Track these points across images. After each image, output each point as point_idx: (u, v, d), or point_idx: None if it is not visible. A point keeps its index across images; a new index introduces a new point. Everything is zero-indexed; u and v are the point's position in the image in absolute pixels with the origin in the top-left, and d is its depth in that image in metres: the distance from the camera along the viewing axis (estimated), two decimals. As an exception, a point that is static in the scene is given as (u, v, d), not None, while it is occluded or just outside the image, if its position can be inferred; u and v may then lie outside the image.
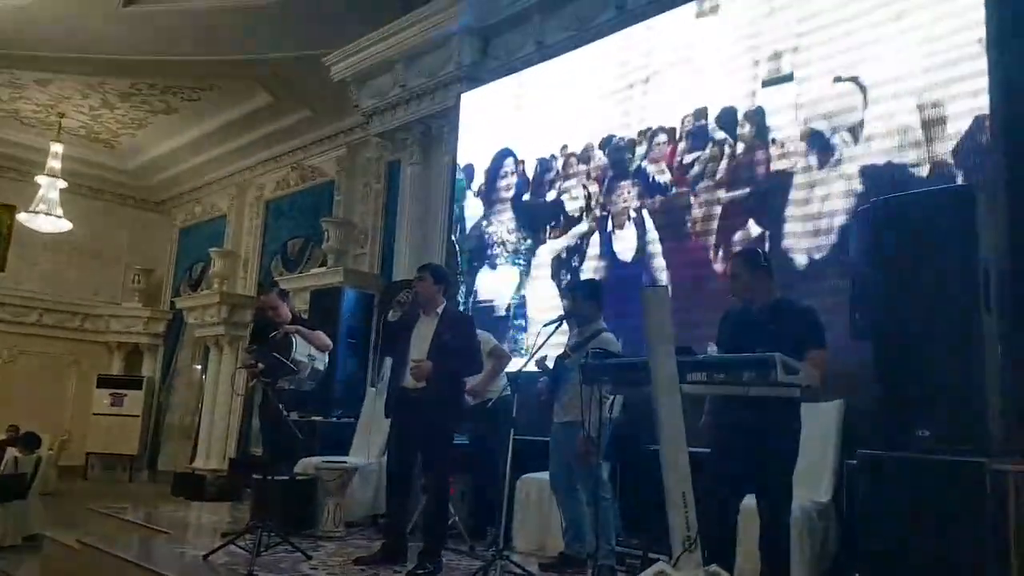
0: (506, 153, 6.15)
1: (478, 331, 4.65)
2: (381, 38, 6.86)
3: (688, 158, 4.84)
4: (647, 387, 2.69)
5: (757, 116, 4.53)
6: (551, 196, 5.72)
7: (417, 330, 3.85)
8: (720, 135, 4.68)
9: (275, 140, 10.22)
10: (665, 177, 4.97)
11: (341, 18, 7.00)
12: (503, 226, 6.04)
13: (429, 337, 3.76)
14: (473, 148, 6.44)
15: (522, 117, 6.11)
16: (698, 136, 4.80)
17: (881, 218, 2.96)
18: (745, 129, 4.58)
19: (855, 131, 4.09)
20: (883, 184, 3.80)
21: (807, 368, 2.50)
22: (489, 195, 6.23)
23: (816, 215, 4.17)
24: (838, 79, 4.15)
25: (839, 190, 4.10)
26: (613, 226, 5.23)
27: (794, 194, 4.28)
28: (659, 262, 4.86)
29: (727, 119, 4.66)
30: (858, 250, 3.11)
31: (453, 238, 6.45)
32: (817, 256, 4.09)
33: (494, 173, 6.18)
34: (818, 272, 4.05)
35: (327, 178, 9.73)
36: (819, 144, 4.22)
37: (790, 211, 4.28)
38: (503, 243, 5.98)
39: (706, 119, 4.76)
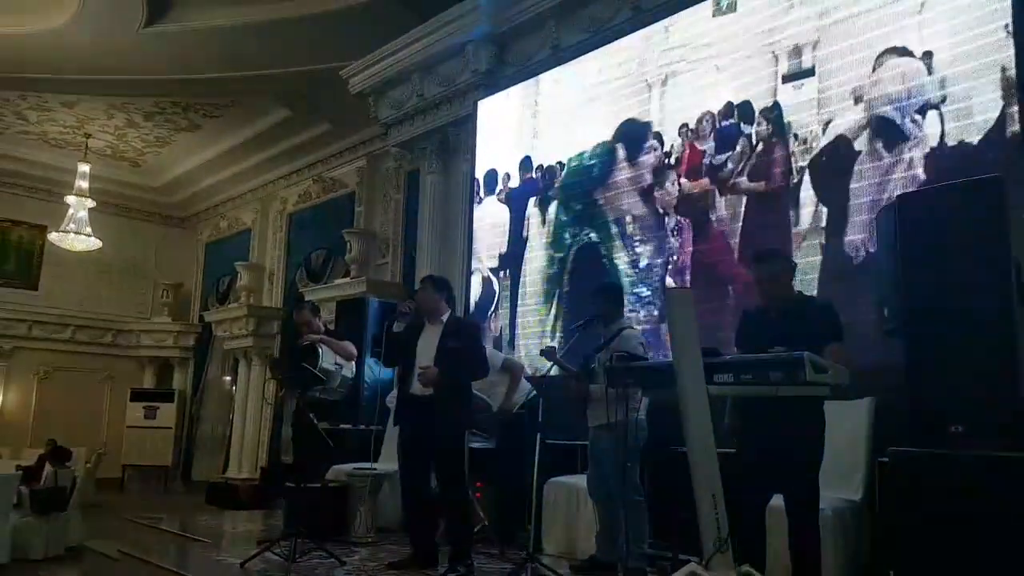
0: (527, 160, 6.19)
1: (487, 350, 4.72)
2: (397, 49, 6.94)
3: (712, 157, 4.81)
4: (673, 389, 2.71)
5: (775, 111, 4.51)
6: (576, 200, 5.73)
7: (423, 339, 3.92)
8: (745, 131, 4.65)
9: (296, 153, 10.38)
10: (688, 177, 4.96)
11: (357, 31, 7.10)
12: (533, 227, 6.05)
13: (435, 344, 3.83)
14: (492, 154, 6.48)
15: (540, 122, 6.14)
16: (722, 134, 4.78)
17: (907, 213, 2.93)
18: (762, 127, 4.56)
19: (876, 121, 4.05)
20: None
21: (836, 367, 2.49)
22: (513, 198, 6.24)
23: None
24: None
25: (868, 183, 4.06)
26: (638, 228, 5.22)
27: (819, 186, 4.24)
28: (685, 262, 4.84)
29: (747, 115, 4.64)
30: (885, 246, 3.08)
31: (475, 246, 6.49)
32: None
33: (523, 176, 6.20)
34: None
35: (348, 189, 9.86)
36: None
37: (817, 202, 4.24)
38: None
39: (732, 116, 4.73)
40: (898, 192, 3.37)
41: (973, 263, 2.73)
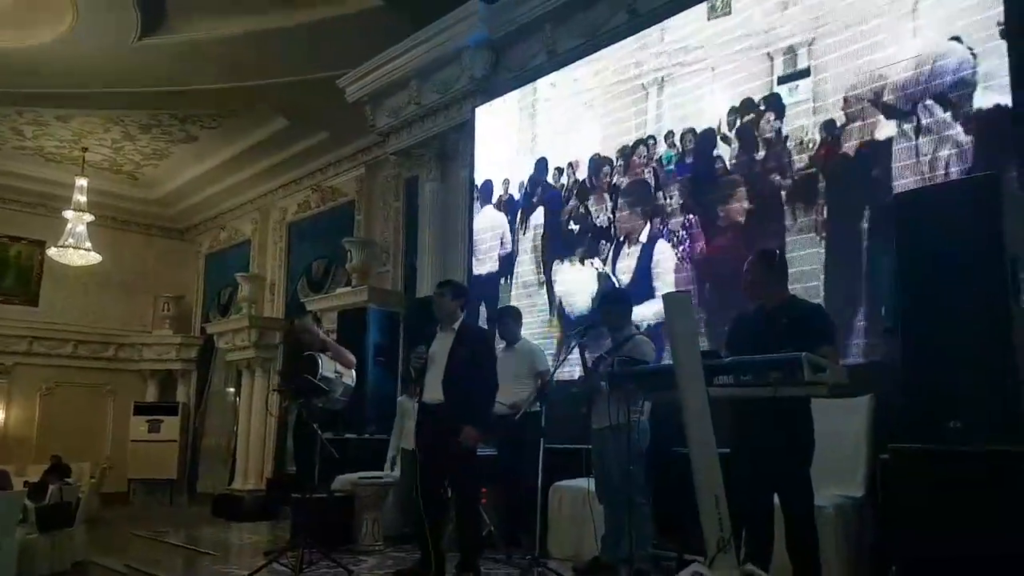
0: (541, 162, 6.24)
1: (534, 349, 4.71)
2: (393, 56, 6.96)
3: (710, 160, 4.83)
4: (673, 392, 2.73)
5: (772, 112, 4.53)
6: (572, 206, 5.76)
7: (436, 345, 3.94)
8: (741, 133, 4.67)
9: (295, 163, 10.40)
10: (686, 181, 4.98)
11: (352, 39, 7.12)
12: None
13: (446, 352, 3.85)
14: (491, 161, 6.51)
15: (537, 127, 6.17)
16: (719, 138, 4.80)
17: (904, 211, 2.96)
18: (758, 128, 4.58)
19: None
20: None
21: (834, 366, 2.51)
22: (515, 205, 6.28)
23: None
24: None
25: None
26: (641, 233, 5.23)
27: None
28: (687, 268, 4.87)
29: (743, 118, 4.67)
30: (882, 244, 3.10)
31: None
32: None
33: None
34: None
35: (347, 198, 9.88)
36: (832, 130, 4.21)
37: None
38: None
39: (728, 119, 4.75)
40: (897, 191, 3.39)
41: (969, 260, 2.76)
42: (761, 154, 4.57)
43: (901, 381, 3.22)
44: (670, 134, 5.09)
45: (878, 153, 4.01)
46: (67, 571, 7.00)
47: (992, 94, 3.58)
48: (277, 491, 8.93)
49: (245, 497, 9.58)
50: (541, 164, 6.10)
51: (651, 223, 5.16)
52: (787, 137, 4.45)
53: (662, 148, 5.15)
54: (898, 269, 2.90)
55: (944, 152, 3.74)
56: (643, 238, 5.19)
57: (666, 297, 2.71)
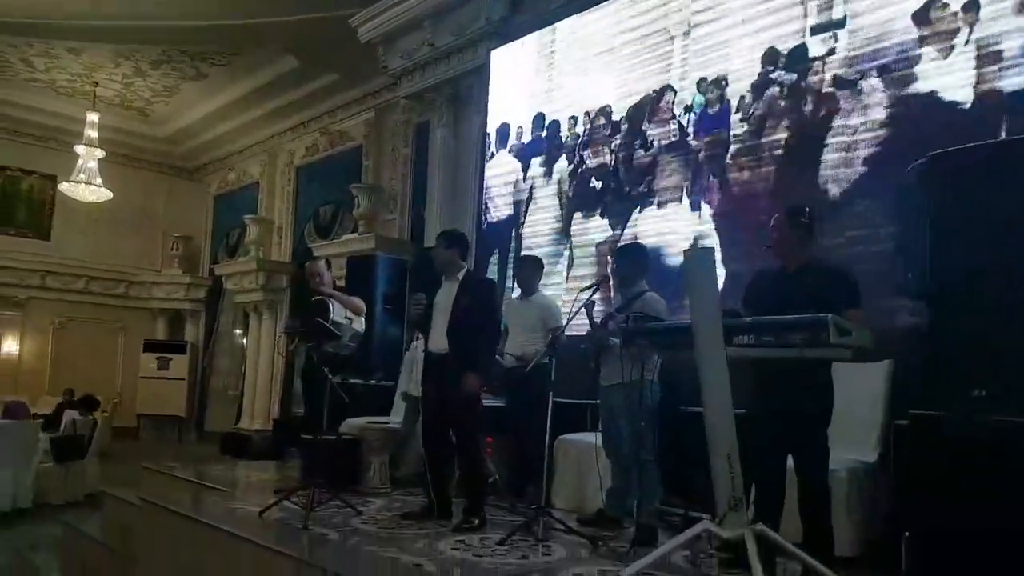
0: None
1: (550, 305, 4.63)
2: (409, -5, 6.74)
3: (736, 113, 4.65)
4: (689, 351, 2.68)
5: (804, 64, 4.35)
6: (594, 156, 5.60)
7: (440, 296, 3.91)
8: (772, 86, 4.49)
9: (304, 105, 10.22)
10: (711, 135, 4.81)
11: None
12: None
13: (450, 302, 3.82)
14: (505, 107, 6.32)
15: (555, 73, 5.96)
16: (749, 89, 4.61)
17: (932, 174, 2.84)
18: (790, 81, 4.40)
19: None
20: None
21: (860, 329, 2.44)
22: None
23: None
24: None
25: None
26: (667, 188, 5.08)
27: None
28: (710, 221, 4.73)
29: (774, 69, 4.48)
30: (913, 207, 2.99)
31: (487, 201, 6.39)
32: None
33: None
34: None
35: (355, 143, 9.73)
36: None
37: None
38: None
39: (759, 70, 4.56)
40: (930, 151, 3.25)
41: (996, 225, 2.66)
42: (789, 108, 4.40)
43: (920, 346, 3.17)
44: (702, 81, 4.87)
45: (912, 110, 3.86)
46: (80, 501, 7.21)
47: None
48: (284, 432, 9.10)
49: (252, 437, 9.76)
50: (555, 111, 5.92)
51: (676, 176, 5.00)
52: (818, 89, 4.27)
53: (688, 97, 4.96)
54: (929, 232, 2.80)
55: (978, 110, 3.59)
56: (666, 191, 5.04)
57: (688, 252, 2.63)
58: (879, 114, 4.02)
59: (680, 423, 3.76)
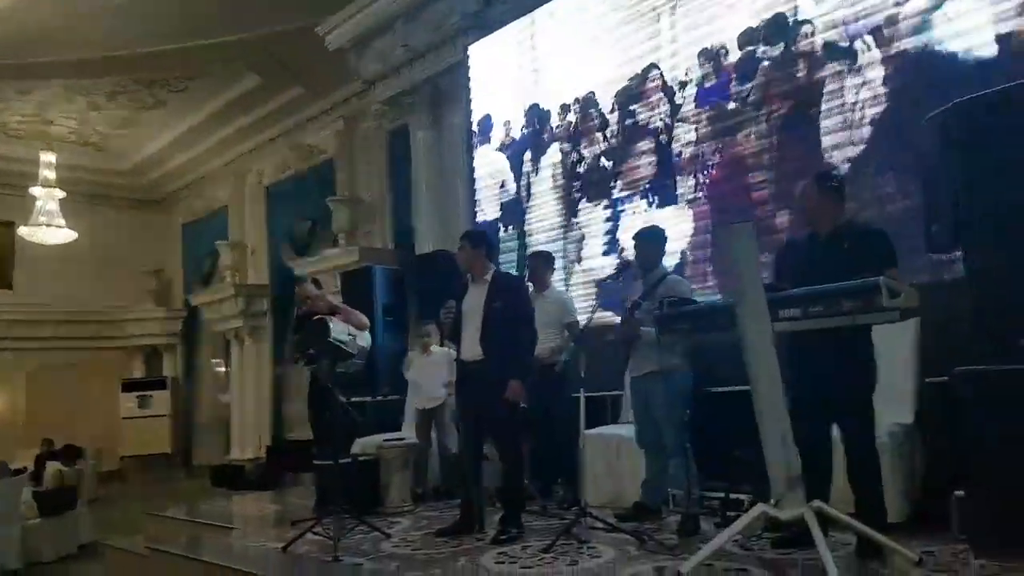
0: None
1: (565, 300, 4.55)
2: (376, -3, 6.52)
3: (733, 83, 4.57)
4: (730, 331, 2.60)
5: (799, 28, 4.27)
6: (581, 145, 5.50)
7: (468, 300, 3.73)
8: (766, 52, 4.42)
9: (268, 122, 9.97)
10: (710, 107, 4.71)
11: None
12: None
13: (481, 306, 3.65)
14: (488, 102, 6.17)
15: (538, 63, 5.81)
16: (742, 58, 4.53)
17: (957, 121, 2.79)
18: (784, 46, 4.33)
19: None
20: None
21: (908, 289, 2.39)
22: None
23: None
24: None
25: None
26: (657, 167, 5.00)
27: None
28: (712, 194, 4.65)
29: (767, 36, 4.40)
30: (934, 157, 2.94)
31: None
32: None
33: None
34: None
35: (326, 155, 9.50)
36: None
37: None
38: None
39: (752, 38, 4.48)
40: (938, 107, 3.21)
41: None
42: (786, 74, 4.33)
43: (949, 303, 3.13)
44: (693, 55, 4.78)
45: (919, 66, 3.81)
46: (74, 554, 6.87)
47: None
48: (279, 459, 8.85)
49: (245, 466, 9.49)
50: (542, 102, 5.79)
51: (669, 157, 4.93)
52: (815, 53, 4.21)
53: (679, 73, 4.86)
54: (960, 181, 2.75)
55: (982, 62, 3.56)
56: (663, 172, 4.96)
57: (727, 228, 2.55)
58: (876, 72, 3.98)
59: (708, 404, 3.69)
